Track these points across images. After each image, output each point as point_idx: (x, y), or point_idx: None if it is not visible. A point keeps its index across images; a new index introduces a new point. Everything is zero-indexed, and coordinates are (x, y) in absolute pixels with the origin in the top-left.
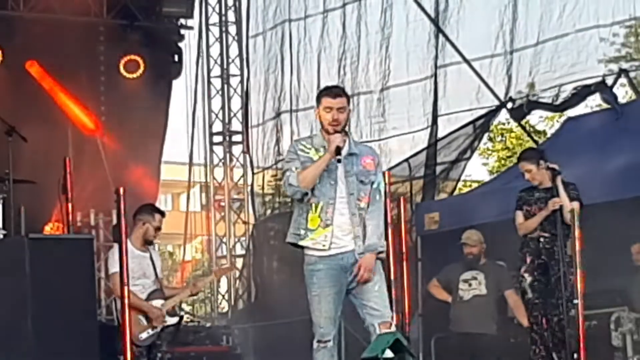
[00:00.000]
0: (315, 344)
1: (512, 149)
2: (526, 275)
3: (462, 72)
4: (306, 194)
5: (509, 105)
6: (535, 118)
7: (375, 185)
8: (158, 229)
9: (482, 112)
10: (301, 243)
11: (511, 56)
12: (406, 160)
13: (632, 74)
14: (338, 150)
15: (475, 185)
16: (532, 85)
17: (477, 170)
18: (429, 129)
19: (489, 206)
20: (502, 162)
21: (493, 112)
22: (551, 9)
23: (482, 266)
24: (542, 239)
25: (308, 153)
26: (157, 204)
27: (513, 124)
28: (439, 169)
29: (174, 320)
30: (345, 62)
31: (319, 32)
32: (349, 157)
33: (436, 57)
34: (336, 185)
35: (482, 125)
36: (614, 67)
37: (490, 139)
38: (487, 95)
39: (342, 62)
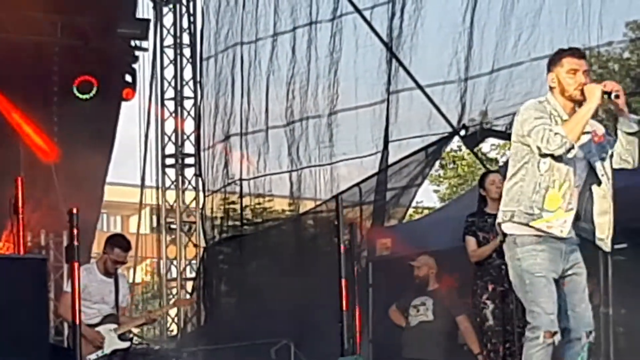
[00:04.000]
0: (540, 338)
1: (464, 176)
2: (488, 302)
3: (414, 98)
4: (572, 148)
5: (462, 132)
6: (487, 146)
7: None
8: (116, 262)
9: (434, 138)
10: (534, 224)
11: (465, 83)
12: (357, 185)
13: None
14: (608, 95)
15: (426, 211)
16: (485, 113)
17: (429, 196)
18: (378, 155)
19: (441, 233)
20: (454, 189)
21: (445, 139)
22: (506, 37)
23: (431, 292)
24: (504, 267)
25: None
26: (100, 225)
27: (465, 151)
28: (389, 194)
29: (125, 344)
30: (294, 85)
31: (268, 55)
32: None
33: (388, 82)
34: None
35: (433, 152)
36: None
37: (442, 166)
38: (439, 122)
39: (290, 86)
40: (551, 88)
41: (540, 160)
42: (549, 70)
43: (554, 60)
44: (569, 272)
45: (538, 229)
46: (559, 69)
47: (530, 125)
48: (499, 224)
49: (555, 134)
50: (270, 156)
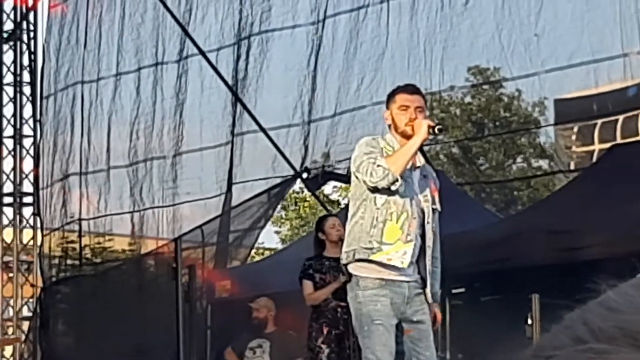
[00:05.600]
0: None
1: (306, 217)
2: (324, 346)
3: (259, 140)
4: (396, 180)
5: (305, 175)
6: (329, 188)
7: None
8: None
9: (278, 181)
10: (374, 258)
11: (308, 126)
12: (199, 227)
13: (425, 148)
14: (433, 129)
15: (267, 253)
16: (327, 156)
17: (270, 237)
18: (222, 196)
19: (281, 275)
20: (295, 230)
21: (288, 182)
22: (349, 81)
23: (269, 334)
24: (340, 309)
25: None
26: None
27: (307, 193)
28: (232, 236)
29: None
30: (139, 126)
31: (110, 95)
32: (423, 178)
33: (233, 124)
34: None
35: (276, 194)
36: None
37: (284, 208)
38: (282, 165)
39: (134, 126)
40: (389, 126)
41: (376, 195)
42: (386, 107)
43: (389, 97)
44: (414, 318)
45: (379, 263)
46: (393, 105)
47: (359, 161)
48: (345, 265)
49: (378, 166)
50: (111, 196)
